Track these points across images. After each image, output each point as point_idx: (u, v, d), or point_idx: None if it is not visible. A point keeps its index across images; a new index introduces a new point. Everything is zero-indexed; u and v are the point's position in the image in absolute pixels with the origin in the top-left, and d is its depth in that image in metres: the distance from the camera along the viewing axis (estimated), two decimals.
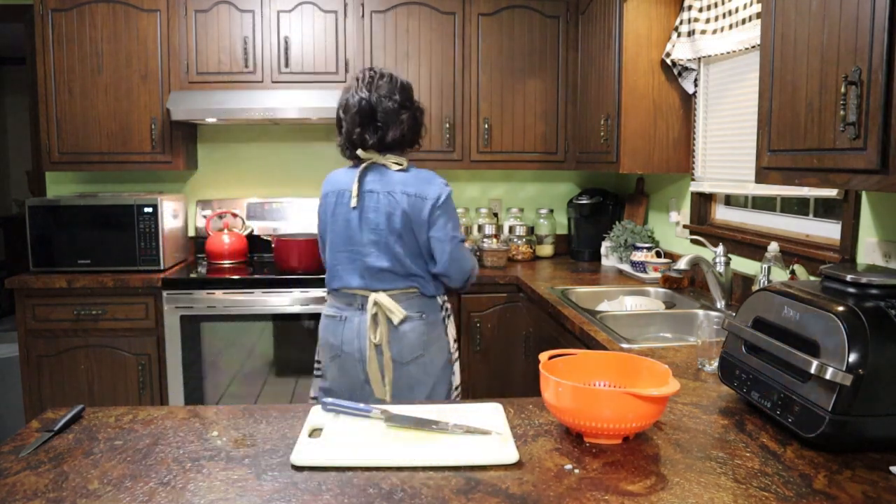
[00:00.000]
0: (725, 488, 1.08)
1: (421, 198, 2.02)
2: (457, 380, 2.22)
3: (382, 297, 2.05)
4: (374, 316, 2.06)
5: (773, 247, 2.14)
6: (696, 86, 2.86)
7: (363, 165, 2.08)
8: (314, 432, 1.30)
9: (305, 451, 1.19)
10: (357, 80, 2.08)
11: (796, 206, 2.40)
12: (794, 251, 2.18)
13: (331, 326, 2.14)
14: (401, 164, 2.07)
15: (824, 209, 2.25)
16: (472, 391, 3.13)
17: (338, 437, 1.27)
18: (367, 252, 2.06)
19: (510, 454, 1.18)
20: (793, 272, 2.02)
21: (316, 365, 2.24)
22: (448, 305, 2.21)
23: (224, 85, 3.32)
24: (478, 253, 3.44)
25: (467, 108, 3.45)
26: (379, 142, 2.06)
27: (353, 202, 2.05)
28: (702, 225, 2.92)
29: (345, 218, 2.09)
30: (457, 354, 2.23)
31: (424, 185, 2.04)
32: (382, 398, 2.08)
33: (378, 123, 2.04)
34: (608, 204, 3.59)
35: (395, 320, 2.05)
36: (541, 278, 3.08)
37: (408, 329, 2.07)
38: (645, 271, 2.97)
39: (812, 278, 1.99)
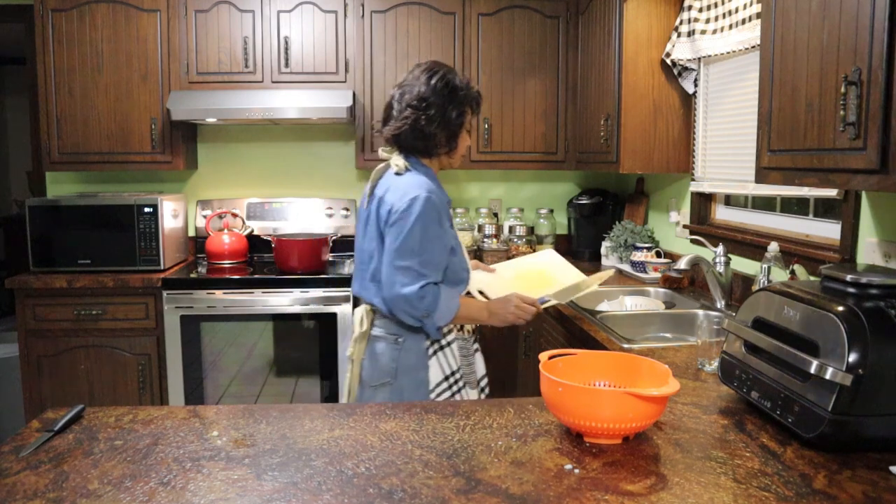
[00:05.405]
0: (725, 488, 1.08)
1: (385, 203, 1.87)
2: None
3: (361, 309, 1.96)
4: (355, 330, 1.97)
5: (773, 247, 2.14)
6: (696, 86, 2.86)
7: (380, 166, 1.98)
8: None
9: None
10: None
11: (796, 206, 2.40)
12: (794, 251, 2.18)
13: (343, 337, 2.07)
14: (398, 167, 1.90)
15: (824, 209, 2.25)
16: None
17: None
18: (363, 259, 1.97)
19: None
20: (793, 272, 2.02)
21: None
22: (445, 338, 1.94)
23: (224, 85, 3.32)
24: (477, 254, 3.44)
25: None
26: (385, 138, 1.95)
27: (365, 204, 1.98)
28: (702, 225, 2.92)
29: (361, 221, 2.01)
30: (447, 395, 1.92)
31: (395, 191, 1.86)
32: None
33: (388, 116, 1.95)
34: (608, 204, 3.59)
35: (354, 332, 1.93)
36: None
37: (381, 350, 1.92)
38: (645, 271, 2.97)
39: (812, 278, 1.99)
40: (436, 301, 1.83)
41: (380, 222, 1.88)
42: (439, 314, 1.84)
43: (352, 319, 1.99)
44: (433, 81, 1.89)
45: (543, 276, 2.18)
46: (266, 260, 3.55)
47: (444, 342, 1.93)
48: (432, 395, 1.92)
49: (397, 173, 1.91)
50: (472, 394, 1.98)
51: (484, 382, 2.05)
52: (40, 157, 3.47)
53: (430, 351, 1.93)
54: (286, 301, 3.07)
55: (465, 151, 2.03)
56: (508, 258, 3.57)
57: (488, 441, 1.28)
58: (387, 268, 1.84)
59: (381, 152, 1.99)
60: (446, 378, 1.93)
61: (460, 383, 1.95)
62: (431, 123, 1.88)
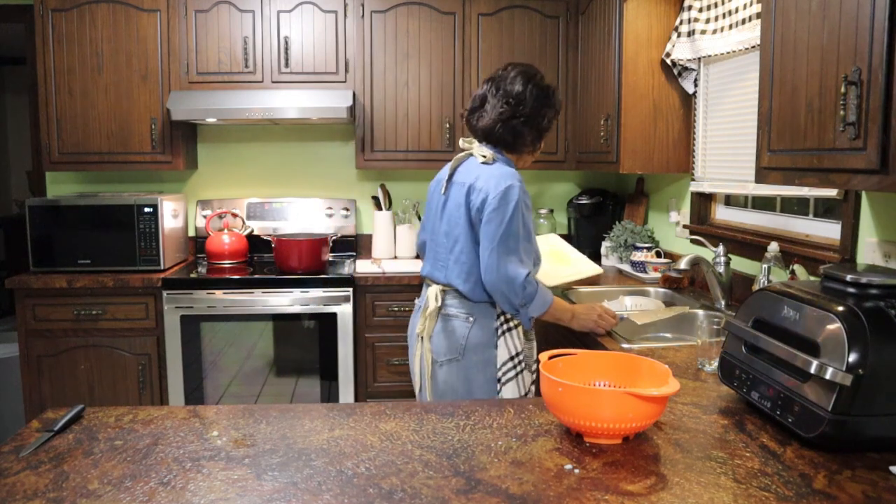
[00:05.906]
0: (725, 488, 1.08)
1: (478, 191, 1.94)
2: None
3: (434, 289, 2.03)
4: (428, 307, 2.04)
5: (773, 247, 2.14)
6: (696, 86, 2.86)
7: (459, 155, 2.08)
8: None
9: None
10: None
11: (796, 206, 2.40)
12: (794, 251, 2.18)
13: (412, 316, 2.19)
14: (485, 157, 2.00)
15: (824, 209, 2.25)
16: None
17: None
18: (440, 242, 2.05)
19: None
20: (793, 272, 2.02)
21: None
22: (512, 320, 2.00)
23: (224, 85, 3.32)
24: None
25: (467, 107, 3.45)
26: (473, 128, 2.08)
27: (443, 189, 2.07)
28: (702, 225, 2.92)
29: (435, 205, 2.12)
30: (512, 375, 1.98)
31: (488, 179, 1.93)
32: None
33: (478, 107, 2.06)
34: (608, 204, 3.59)
35: (430, 307, 2.01)
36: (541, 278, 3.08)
37: (454, 326, 2.00)
38: (645, 271, 2.97)
39: (812, 278, 1.99)
40: (536, 291, 1.94)
41: (471, 209, 1.96)
42: (535, 305, 1.94)
43: (424, 298, 2.09)
44: (530, 85, 2.02)
45: (561, 254, 2.45)
46: (266, 260, 3.55)
47: (511, 324, 2.00)
48: (499, 374, 1.98)
49: (485, 162, 2.00)
50: (528, 377, 2.04)
51: (535, 366, 2.10)
52: (40, 157, 3.47)
53: (500, 331, 2.00)
54: (286, 301, 3.07)
55: (538, 155, 2.17)
56: None
57: (488, 441, 1.28)
58: (492, 254, 1.90)
59: (462, 142, 2.10)
60: (511, 358, 1.99)
61: (522, 364, 2.01)
62: (525, 124, 2.01)
